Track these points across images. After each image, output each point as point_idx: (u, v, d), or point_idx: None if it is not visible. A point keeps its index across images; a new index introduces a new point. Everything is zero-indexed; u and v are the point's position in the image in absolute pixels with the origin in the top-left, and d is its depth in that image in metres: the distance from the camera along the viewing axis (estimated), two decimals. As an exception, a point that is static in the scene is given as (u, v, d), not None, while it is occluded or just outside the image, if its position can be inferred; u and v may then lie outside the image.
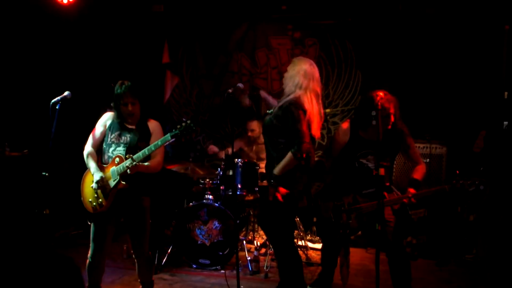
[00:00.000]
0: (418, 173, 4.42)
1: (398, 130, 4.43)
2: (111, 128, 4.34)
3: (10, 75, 6.90)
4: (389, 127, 4.36)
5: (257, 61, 8.07)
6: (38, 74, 7.22)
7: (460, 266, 6.00)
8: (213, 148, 7.28)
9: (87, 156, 4.30)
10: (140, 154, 4.11)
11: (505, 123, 6.15)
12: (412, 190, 4.27)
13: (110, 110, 4.41)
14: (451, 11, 6.84)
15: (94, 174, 4.20)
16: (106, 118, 4.41)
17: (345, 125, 4.65)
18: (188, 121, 4.06)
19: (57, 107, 4.27)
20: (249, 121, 6.90)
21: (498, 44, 6.53)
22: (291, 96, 4.30)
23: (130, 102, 4.25)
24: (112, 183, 4.18)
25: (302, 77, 4.33)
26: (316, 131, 4.41)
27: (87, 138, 4.40)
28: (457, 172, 4.23)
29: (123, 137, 4.29)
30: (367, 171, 4.46)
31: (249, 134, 6.88)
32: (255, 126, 6.87)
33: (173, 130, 4.07)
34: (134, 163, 4.04)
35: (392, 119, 4.34)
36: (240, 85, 4.41)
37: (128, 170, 4.05)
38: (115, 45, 8.09)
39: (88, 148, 4.33)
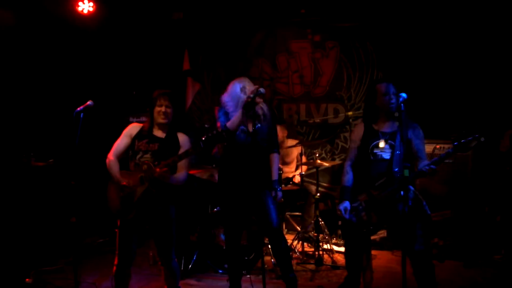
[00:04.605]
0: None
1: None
2: (138, 137, 4.36)
3: (34, 85, 7.00)
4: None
5: (278, 66, 8.07)
6: (61, 84, 7.31)
7: (488, 266, 5.90)
8: None
9: (109, 165, 4.32)
10: (170, 161, 4.14)
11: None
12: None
13: (133, 119, 4.46)
14: (474, 10, 6.76)
15: (118, 181, 4.23)
16: (133, 129, 4.43)
17: (359, 124, 4.71)
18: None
19: (80, 116, 4.31)
20: None
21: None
22: None
23: (165, 104, 4.33)
24: (140, 189, 4.20)
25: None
26: None
27: (111, 146, 4.42)
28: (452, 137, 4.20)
29: (151, 145, 4.31)
30: (380, 163, 4.44)
31: None
32: (278, 131, 6.83)
33: (203, 137, 4.11)
34: (164, 169, 4.07)
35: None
36: (262, 90, 4.41)
37: (157, 176, 4.09)
38: (136, 54, 8.17)
39: (110, 157, 4.34)
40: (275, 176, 4.87)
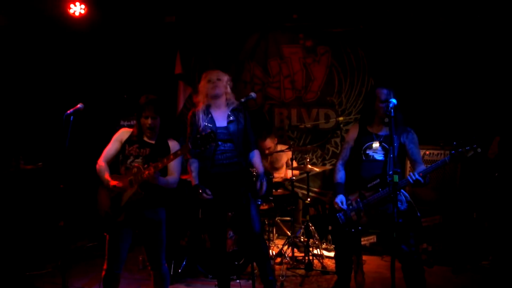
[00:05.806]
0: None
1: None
2: (128, 142, 4.35)
3: (24, 87, 6.97)
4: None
5: (270, 70, 8.07)
6: (51, 86, 7.28)
7: (477, 272, 5.93)
8: None
9: (99, 170, 4.31)
10: (159, 163, 4.12)
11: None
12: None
13: (124, 122, 4.44)
14: (463, 18, 6.81)
15: (107, 184, 4.22)
16: (123, 134, 4.43)
17: (355, 125, 4.83)
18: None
19: (70, 119, 4.29)
20: (261, 141, 6.86)
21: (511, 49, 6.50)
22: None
23: (151, 116, 4.29)
24: (129, 192, 4.20)
25: None
26: None
27: (101, 149, 4.41)
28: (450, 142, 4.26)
29: (142, 150, 4.31)
30: (372, 163, 4.50)
31: (266, 152, 6.87)
32: (269, 144, 6.91)
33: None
34: (154, 172, 4.06)
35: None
36: (253, 94, 4.42)
37: (147, 179, 4.08)
38: (128, 57, 8.14)
39: (100, 162, 4.34)
40: (260, 169, 4.82)
